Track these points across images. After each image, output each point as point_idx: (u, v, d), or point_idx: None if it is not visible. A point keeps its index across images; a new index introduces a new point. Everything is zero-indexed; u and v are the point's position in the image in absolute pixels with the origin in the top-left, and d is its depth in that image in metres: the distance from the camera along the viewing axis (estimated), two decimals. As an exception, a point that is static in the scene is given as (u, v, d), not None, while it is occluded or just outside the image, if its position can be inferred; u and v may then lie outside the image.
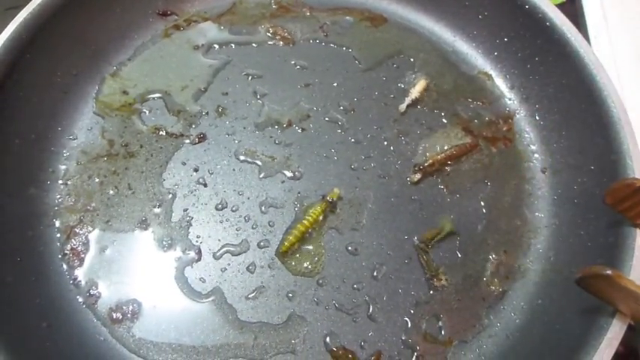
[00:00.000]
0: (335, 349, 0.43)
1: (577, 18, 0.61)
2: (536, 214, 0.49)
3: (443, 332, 0.44)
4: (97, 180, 0.48)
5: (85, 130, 0.51)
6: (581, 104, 0.48)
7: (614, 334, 0.37)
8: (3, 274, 0.41)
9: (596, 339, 0.37)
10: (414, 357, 0.43)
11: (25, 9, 0.48)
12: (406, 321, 0.44)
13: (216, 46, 0.56)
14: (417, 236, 0.47)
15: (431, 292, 0.45)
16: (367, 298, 0.45)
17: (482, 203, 0.49)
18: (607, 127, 0.45)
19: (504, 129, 0.53)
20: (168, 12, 0.56)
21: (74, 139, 0.50)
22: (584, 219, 0.46)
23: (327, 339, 0.43)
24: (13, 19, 0.47)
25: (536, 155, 0.51)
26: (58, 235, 0.46)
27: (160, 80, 0.53)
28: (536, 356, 0.41)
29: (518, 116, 0.53)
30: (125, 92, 0.52)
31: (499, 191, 0.50)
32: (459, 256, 0.47)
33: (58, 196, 0.47)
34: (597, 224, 0.45)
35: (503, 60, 0.55)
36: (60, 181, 0.48)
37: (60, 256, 0.45)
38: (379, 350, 0.43)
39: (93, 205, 0.47)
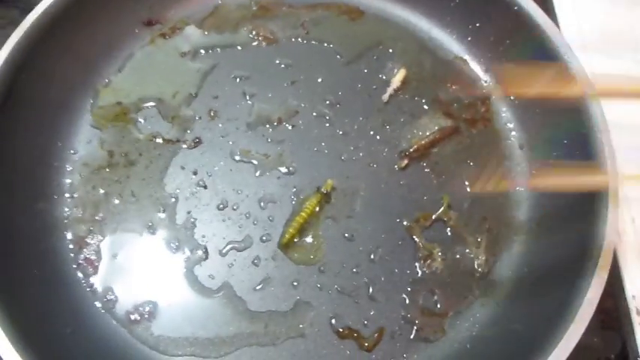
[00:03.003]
0: (341, 329, 0.46)
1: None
2: (517, 188, 0.52)
3: (439, 305, 0.48)
4: (101, 190, 0.51)
5: (84, 143, 0.53)
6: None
7: (593, 294, 0.41)
8: (25, 287, 0.44)
9: (578, 299, 0.41)
10: (414, 330, 0.46)
11: (16, 31, 0.49)
12: (404, 298, 0.48)
13: (202, 51, 0.58)
14: (409, 218, 0.50)
15: (425, 269, 0.49)
16: (366, 280, 0.48)
17: (467, 182, 0.53)
18: (576, 103, 0.48)
19: (482, 110, 0.56)
20: (153, 21, 0.58)
21: (75, 153, 0.52)
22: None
23: (333, 321, 0.47)
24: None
25: (513, 133, 0.55)
26: (71, 246, 0.48)
27: (151, 88, 0.55)
28: (525, 319, 0.45)
29: (494, 97, 0.56)
30: (119, 103, 0.54)
31: (481, 170, 0.53)
32: (449, 234, 0.50)
33: (66, 209, 0.50)
34: (571, 195, 0.48)
35: (477, 45, 0.58)
36: (66, 195, 0.50)
37: (74, 266, 0.48)
38: (381, 327, 0.46)
39: (100, 214, 0.50)
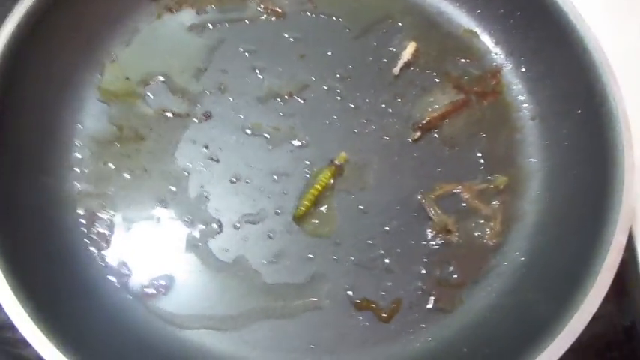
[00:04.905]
0: (358, 301, 0.46)
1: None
2: (530, 160, 0.52)
3: (455, 276, 0.48)
4: (111, 165, 0.50)
5: (92, 118, 0.52)
6: (564, 53, 0.51)
7: (611, 260, 0.41)
8: (38, 264, 0.43)
9: (595, 266, 0.41)
10: (432, 300, 0.46)
11: (18, 6, 0.48)
12: (420, 269, 0.48)
13: (210, 26, 0.57)
14: (423, 190, 0.50)
15: (440, 240, 0.49)
16: (382, 252, 0.48)
17: (479, 154, 0.52)
18: (589, 72, 0.48)
19: (493, 83, 0.56)
20: (159, -5, 0.57)
21: (83, 128, 0.51)
22: (573, 161, 0.50)
23: (350, 292, 0.46)
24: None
25: (525, 105, 0.54)
26: (83, 221, 0.48)
27: (159, 63, 0.54)
28: (542, 287, 0.45)
29: (505, 69, 0.56)
30: (127, 78, 0.53)
31: (493, 142, 0.53)
32: (463, 205, 0.50)
33: (77, 184, 0.49)
34: (586, 165, 0.48)
35: (486, 17, 0.57)
36: (76, 170, 0.49)
37: (87, 241, 0.47)
38: (399, 298, 0.46)
39: (111, 189, 0.49)
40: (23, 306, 0.38)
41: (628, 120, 0.46)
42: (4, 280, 0.39)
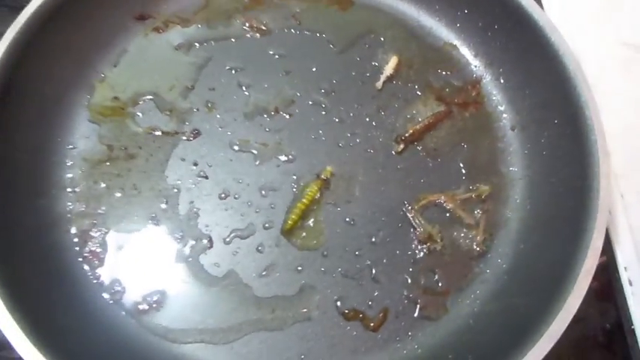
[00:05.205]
0: (346, 311, 0.47)
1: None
2: (511, 168, 0.54)
3: (440, 284, 0.49)
4: (102, 184, 0.51)
5: (82, 138, 0.53)
6: (540, 64, 0.53)
7: (589, 265, 0.42)
8: (32, 282, 0.44)
9: (574, 271, 0.43)
10: (418, 309, 0.48)
11: (10, 29, 0.49)
12: (406, 278, 0.49)
13: (197, 45, 0.58)
14: (408, 201, 0.51)
15: (425, 250, 0.50)
16: (369, 263, 0.49)
17: (462, 164, 0.54)
18: (565, 83, 0.50)
19: (473, 94, 0.57)
20: (146, 15, 0.58)
21: (74, 148, 0.52)
22: (553, 168, 0.51)
23: (338, 303, 0.48)
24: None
25: (504, 115, 0.56)
26: (75, 240, 0.49)
27: (147, 82, 0.56)
28: (525, 293, 0.47)
29: (484, 81, 0.58)
30: (116, 98, 0.55)
31: (475, 152, 0.55)
32: (447, 215, 0.52)
33: (69, 204, 0.50)
34: (565, 172, 0.50)
35: (465, 30, 0.59)
36: (67, 190, 0.51)
37: (80, 260, 0.48)
38: (386, 307, 0.48)
39: (103, 208, 0.50)
40: (19, 325, 0.39)
41: (603, 128, 0.48)
42: (0, 300, 0.40)
